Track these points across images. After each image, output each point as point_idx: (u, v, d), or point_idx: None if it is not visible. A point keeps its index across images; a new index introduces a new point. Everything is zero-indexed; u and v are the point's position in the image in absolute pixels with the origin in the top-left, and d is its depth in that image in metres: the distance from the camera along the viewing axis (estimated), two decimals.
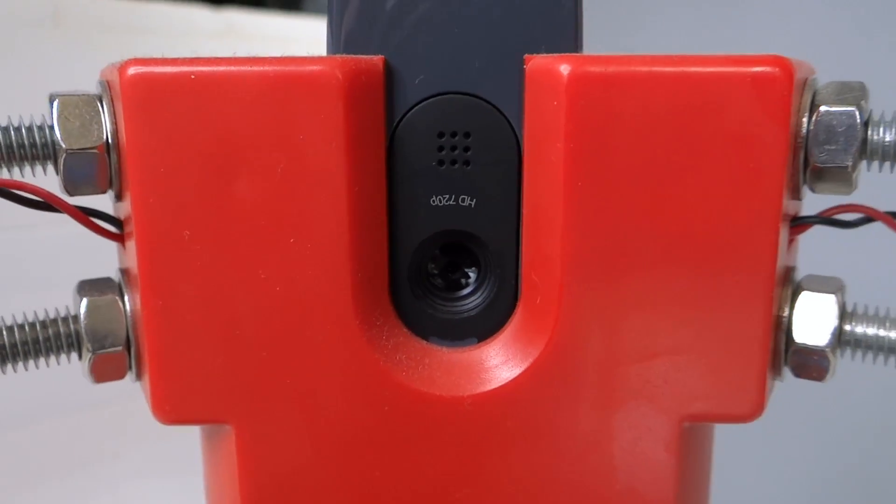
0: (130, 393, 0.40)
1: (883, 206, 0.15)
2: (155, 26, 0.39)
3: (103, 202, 0.14)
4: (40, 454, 0.39)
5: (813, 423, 0.41)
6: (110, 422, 0.41)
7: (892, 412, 0.39)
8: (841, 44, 0.37)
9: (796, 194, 0.13)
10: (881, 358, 0.13)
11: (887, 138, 0.12)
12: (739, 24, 0.39)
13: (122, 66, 0.12)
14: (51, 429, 0.39)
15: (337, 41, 0.13)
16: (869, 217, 0.15)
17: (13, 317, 0.13)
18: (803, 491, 0.42)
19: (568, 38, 0.12)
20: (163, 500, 0.43)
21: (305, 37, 0.47)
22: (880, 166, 0.13)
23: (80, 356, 0.13)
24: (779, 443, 0.43)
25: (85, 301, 0.13)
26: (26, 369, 0.13)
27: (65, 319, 0.13)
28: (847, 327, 0.13)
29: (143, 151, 0.12)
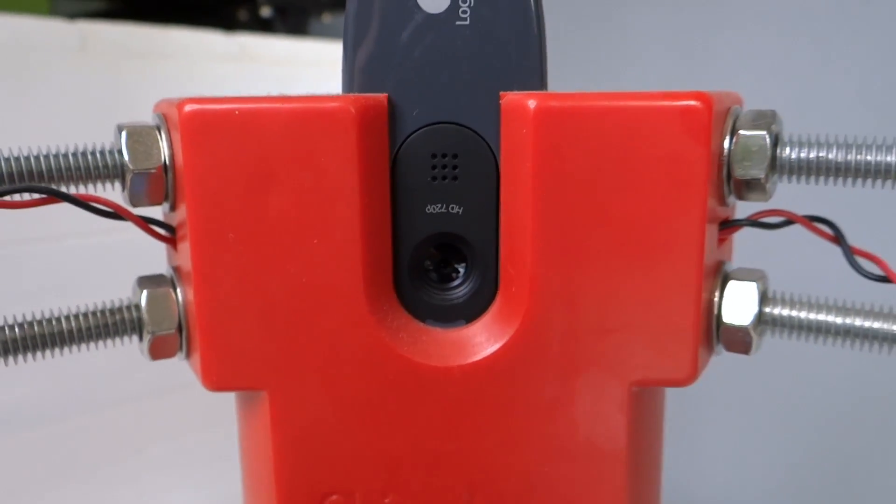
0: (150, 392, 0.44)
1: (803, 211, 0.18)
2: (174, 51, 0.43)
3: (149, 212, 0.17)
4: (67, 450, 0.41)
5: (785, 412, 0.44)
6: (133, 419, 0.44)
7: (858, 400, 0.42)
8: (794, 73, 0.40)
9: (723, 202, 0.16)
10: (797, 335, 0.16)
11: (793, 156, 0.15)
12: (710, 62, 0.43)
13: (180, 104, 0.15)
14: (77, 426, 0.42)
15: (350, 82, 0.16)
16: (790, 220, 0.18)
17: (86, 305, 0.16)
18: (776, 475, 0.45)
19: (535, 79, 0.15)
20: (182, 490, 0.46)
21: (309, 59, 0.50)
22: (789, 178, 0.16)
23: (140, 338, 0.16)
24: (753, 430, 0.46)
25: (145, 293, 0.16)
26: (97, 348, 0.16)
27: (128, 308, 0.16)
28: (766, 309, 0.16)
29: (197, 171, 0.15)
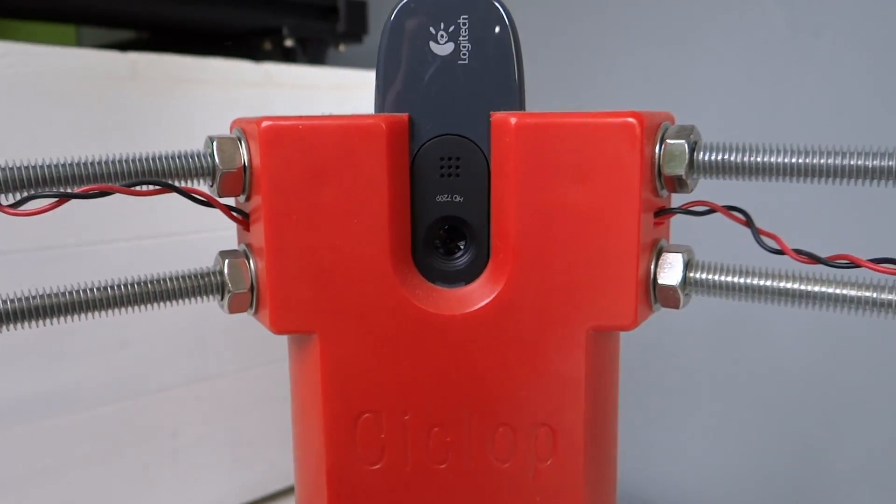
0: (185, 381, 0.49)
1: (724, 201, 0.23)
2: (210, 77, 0.48)
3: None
4: (111, 430, 0.46)
5: (749, 402, 0.49)
6: (169, 405, 0.49)
7: (813, 391, 0.47)
8: (753, 96, 0.46)
9: (657, 194, 0.21)
10: (715, 293, 0.22)
11: (706, 158, 0.21)
12: (676, 85, 0.48)
13: (258, 121, 0.20)
14: (121, 408, 0.47)
15: (381, 105, 0.21)
16: (712, 209, 0.23)
17: (183, 270, 0.21)
18: (742, 455, 0.50)
19: (515, 102, 0.21)
20: (212, 469, 0.51)
21: (327, 84, 0.56)
22: (706, 176, 0.21)
23: (221, 297, 0.22)
24: (723, 418, 0.51)
25: (226, 261, 0.21)
26: (191, 303, 0.22)
27: (213, 273, 0.22)
28: (690, 274, 0.21)
29: (270, 170, 0.20)
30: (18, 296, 0.19)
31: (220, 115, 0.49)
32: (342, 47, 0.59)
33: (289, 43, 0.55)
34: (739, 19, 0.46)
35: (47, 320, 0.20)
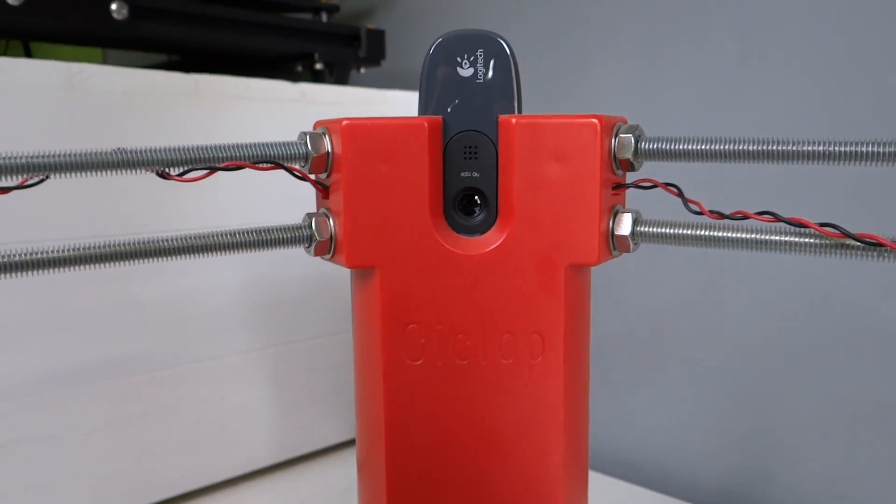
0: (233, 353, 0.59)
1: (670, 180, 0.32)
2: (256, 95, 0.57)
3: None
4: (167, 393, 0.55)
5: (704, 370, 0.58)
6: (219, 372, 0.57)
7: (767, 351, 0.55)
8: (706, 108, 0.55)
9: (613, 173, 0.30)
10: (657, 241, 0.31)
11: (645, 147, 0.30)
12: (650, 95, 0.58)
13: (339, 121, 0.29)
14: (174, 374, 0.55)
15: (424, 110, 0.30)
16: (654, 184, 0.32)
17: (284, 224, 0.30)
18: (692, 415, 0.59)
19: (514, 109, 0.30)
20: (252, 431, 0.59)
21: (351, 101, 0.65)
22: (647, 159, 0.30)
23: (308, 244, 0.31)
24: (682, 384, 0.60)
25: (313, 219, 0.31)
26: (289, 248, 0.31)
27: (304, 227, 0.31)
28: (637, 228, 0.31)
29: (348, 155, 0.29)
30: (144, 239, 0.28)
31: (264, 125, 0.59)
32: (363, 70, 0.69)
33: (318, 66, 0.64)
34: (696, 45, 0.55)
35: (170, 258, 0.29)
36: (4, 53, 0.77)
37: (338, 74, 0.65)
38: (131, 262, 0.29)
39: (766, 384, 0.55)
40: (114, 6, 0.50)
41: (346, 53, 0.65)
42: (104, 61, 0.99)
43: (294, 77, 0.65)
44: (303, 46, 0.63)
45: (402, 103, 0.64)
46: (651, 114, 0.57)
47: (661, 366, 0.60)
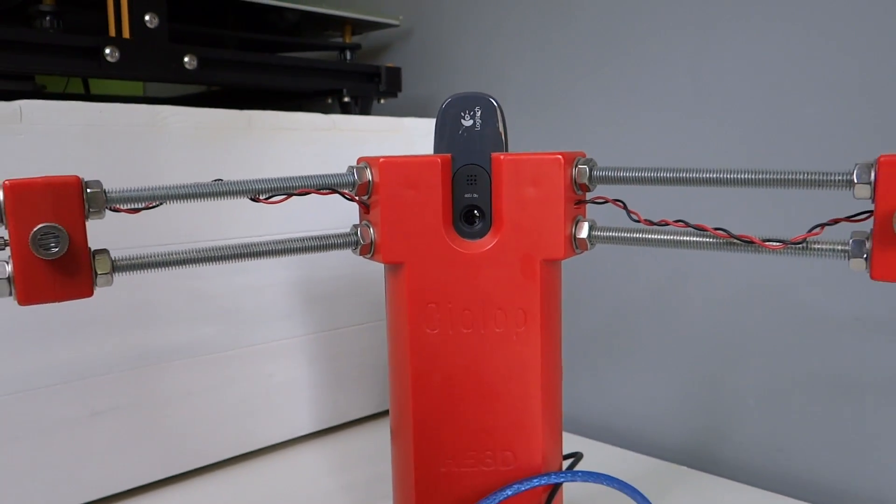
0: (273, 340, 0.73)
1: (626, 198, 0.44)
2: (297, 126, 0.69)
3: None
4: (223, 372, 0.67)
5: (673, 349, 0.69)
6: (267, 354, 0.69)
7: (723, 330, 0.66)
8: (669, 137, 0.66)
9: (574, 194, 0.42)
10: (611, 242, 0.42)
11: (598, 174, 0.42)
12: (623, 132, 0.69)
13: (378, 158, 0.41)
14: (230, 356, 0.67)
15: (437, 150, 0.42)
16: (606, 200, 0.44)
17: (338, 232, 0.42)
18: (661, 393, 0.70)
19: (503, 148, 0.42)
20: (299, 402, 0.71)
21: (372, 129, 0.76)
22: (601, 183, 0.42)
23: (353, 248, 0.43)
24: (654, 363, 0.70)
25: (358, 228, 0.42)
26: (339, 251, 0.42)
27: (350, 234, 0.42)
28: (593, 232, 0.42)
29: (384, 181, 0.41)
30: (240, 243, 0.40)
31: (303, 151, 0.71)
32: (382, 101, 0.81)
33: (346, 99, 0.76)
34: (657, 83, 0.67)
35: (258, 258, 0.40)
36: (66, 87, 0.90)
37: (362, 105, 0.77)
38: (232, 262, 0.40)
39: (719, 359, 0.66)
40: (186, 59, 0.62)
41: (368, 88, 0.77)
42: (144, 91, 1.11)
43: (325, 109, 0.77)
44: (333, 83, 0.75)
45: (416, 129, 0.76)
46: (622, 138, 0.69)
47: (633, 346, 0.71)
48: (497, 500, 0.41)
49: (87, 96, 0.87)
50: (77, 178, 0.35)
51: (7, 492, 0.54)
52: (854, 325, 0.58)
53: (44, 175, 0.34)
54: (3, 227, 0.34)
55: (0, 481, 0.53)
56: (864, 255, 0.35)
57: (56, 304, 0.36)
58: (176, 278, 0.60)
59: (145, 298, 0.59)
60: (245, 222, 0.64)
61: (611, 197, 0.43)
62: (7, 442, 0.53)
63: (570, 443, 0.62)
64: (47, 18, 0.59)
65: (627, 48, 0.68)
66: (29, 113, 0.52)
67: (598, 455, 0.65)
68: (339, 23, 0.78)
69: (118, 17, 0.58)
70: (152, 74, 0.60)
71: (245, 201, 0.40)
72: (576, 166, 0.41)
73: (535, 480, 0.42)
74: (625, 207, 0.42)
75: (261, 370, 0.66)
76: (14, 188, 0.33)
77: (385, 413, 0.77)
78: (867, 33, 0.55)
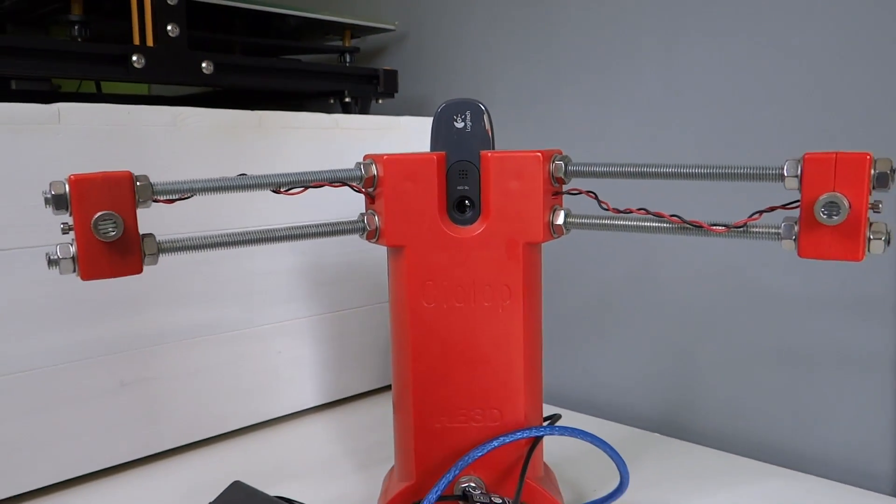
0: (285, 321, 0.81)
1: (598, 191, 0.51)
2: (303, 125, 0.75)
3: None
4: (237, 349, 0.73)
5: (651, 331, 0.76)
6: (276, 332, 0.75)
7: (692, 309, 0.73)
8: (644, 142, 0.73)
9: (551, 186, 0.49)
10: (584, 228, 0.49)
11: (571, 169, 0.48)
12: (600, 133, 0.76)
13: (382, 155, 0.47)
14: (243, 335, 0.73)
15: (433, 148, 0.49)
16: (580, 192, 0.50)
17: (345, 218, 0.49)
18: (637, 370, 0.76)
19: (490, 147, 0.48)
20: (305, 377, 0.77)
21: (370, 127, 0.83)
22: (575, 177, 0.49)
23: (361, 234, 0.49)
24: (631, 341, 0.77)
25: (364, 215, 0.49)
26: (348, 237, 0.49)
27: (357, 221, 0.49)
28: (568, 220, 0.49)
29: (388, 175, 0.47)
30: (262, 229, 0.47)
31: (308, 148, 0.77)
32: (380, 101, 0.87)
33: (347, 99, 0.83)
34: (633, 85, 0.74)
35: (271, 243, 0.47)
36: (78, 88, 0.96)
37: (361, 105, 0.84)
38: (256, 245, 0.47)
39: (686, 336, 0.72)
40: (204, 64, 0.68)
41: (368, 89, 0.83)
42: (149, 91, 1.17)
43: (327, 108, 0.83)
44: (336, 85, 0.81)
45: (412, 126, 0.82)
46: (597, 137, 0.75)
47: (610, 325, 0.78)
48: (485, 451, 0.48)
49: (100, 96, 0.93)
50: (129, 172, 0.41)
51: (49, 453, 0.60)
52: (807, 302, 0.64)
53: (76, 171, 0.40)
54: (68, 214, 0.40)
55: (44, 443, 0.60)
56: (793, 237, 0.42)
57: (90, 287, 0.42)
58: (190, 263, 0.67)
59: (164, 282, 0.66)
60: (237, 216, 0.70)
61: (584, 189, 0.49)
62: (53, 407, 0.60)
63: (552, 413, 0.68)
64: (76, 28, 0.65)
65: (603, 58, 0.75)
66: (66, 114, 0.59)
67: (577, 423, 0.71)
68: (339, 28, 0.85)
69: (142, 26, 0.65)
70: (174, 78, 0.66)
71: (245, 201, 0.47)
72: (553, 162, 0.48)
73: (518, 434, 0.48)
74: (595, 198, 0.48)
75: (271, 348, 0.73)
76: (78, 182, 0.40)
77: (385, 388, 0.84)
78: (817, 45, 0.62)
